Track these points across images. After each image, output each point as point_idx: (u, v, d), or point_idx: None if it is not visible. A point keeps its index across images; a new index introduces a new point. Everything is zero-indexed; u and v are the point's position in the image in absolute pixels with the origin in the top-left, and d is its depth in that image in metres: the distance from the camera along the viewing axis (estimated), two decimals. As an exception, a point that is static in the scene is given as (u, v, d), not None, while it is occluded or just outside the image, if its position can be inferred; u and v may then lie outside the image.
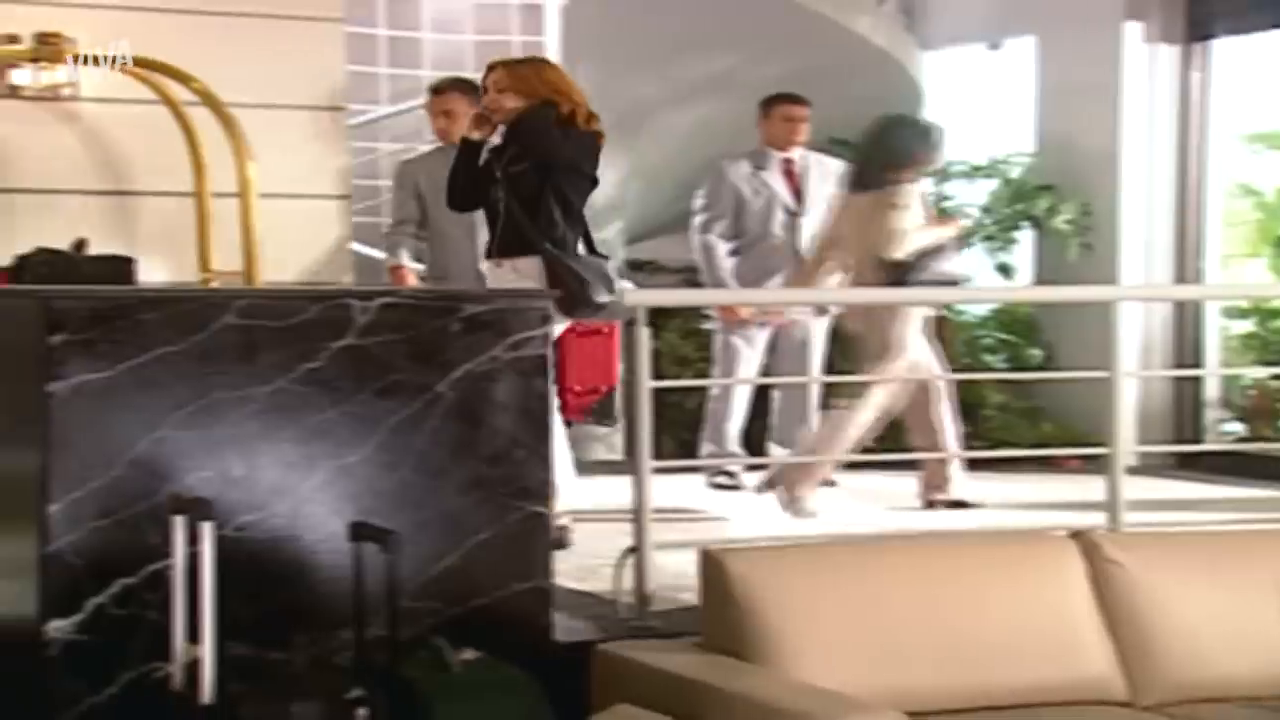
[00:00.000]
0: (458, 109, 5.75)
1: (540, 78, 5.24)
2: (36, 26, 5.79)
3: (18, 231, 5.92)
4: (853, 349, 6.57)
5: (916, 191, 6.28)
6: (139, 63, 5.88)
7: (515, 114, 5.13)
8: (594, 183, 5.34)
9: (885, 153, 6.25)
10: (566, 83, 5.28)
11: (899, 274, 6.03)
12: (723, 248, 6.80)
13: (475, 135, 5.25)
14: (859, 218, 6.25)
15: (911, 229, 6.13)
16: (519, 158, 5.15)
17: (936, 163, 6.53)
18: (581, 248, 5.21)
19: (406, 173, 6.27)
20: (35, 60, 5.85)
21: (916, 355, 6.16)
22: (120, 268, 5.73)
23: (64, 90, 6.01)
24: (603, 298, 5.22)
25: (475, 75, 9.80)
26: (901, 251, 6.06)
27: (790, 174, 6.87)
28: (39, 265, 5.63)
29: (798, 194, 6.84)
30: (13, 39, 5.86)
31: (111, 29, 5.92)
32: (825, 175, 6.85)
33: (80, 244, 5.81)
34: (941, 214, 6.90)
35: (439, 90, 6.15)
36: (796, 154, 6.88)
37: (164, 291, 4.35)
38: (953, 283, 6.18)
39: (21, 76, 5.97)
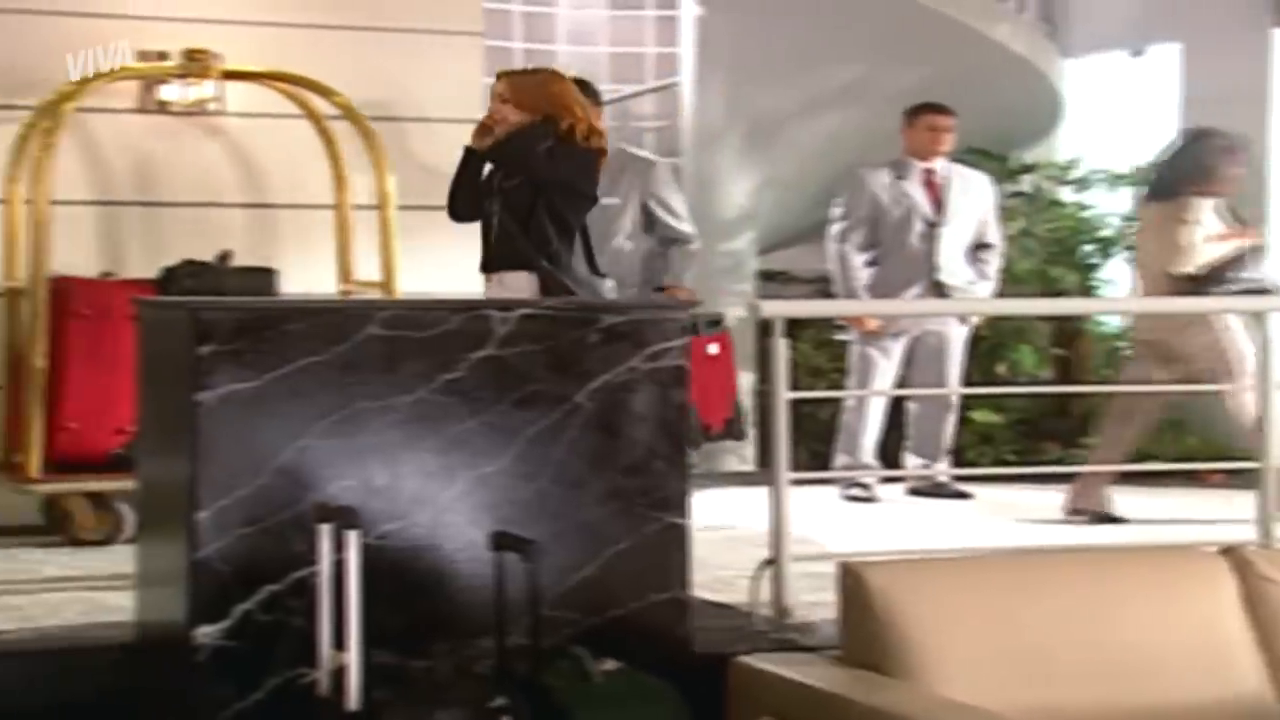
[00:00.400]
0: None
1: (543, 90, 5.23)
2: (184, 43, 5.91)
3: (164, 244, 6.05)
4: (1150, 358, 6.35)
5: (1209, 206, 6.12)
6: (282, 77, 5.98)
7: (510, 129, 5.13)
8: (592, 200, 5.30)
9: (1186, 166, 6.16)
10: (570, 96, 5.24)
11: (1194, 287, 5.95)
12: (858, 258, 6.75)
13: (476, 145, 5.25)
14: (1150, 228, 6.24)
15: (1201, 243, 6.02)
16: (511, 173, 5.16)
17: (1239, 179, 6.34)
18: (583, 266, 5.19)
19: None
20: (183, 76, 5.97)
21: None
22: (264, 279, 5.84)
23: (210, 105, 6.12)
24: None
25: (607, 88, 9.89)
26: (1189, 266, 5.99)
27: (931, 184, 6.79)
28: (185, 277, 5.75)
29: (938, 204, 6.76)
30: (162, 55, 5.99)
31: (256, 44, 6.03)
32: (967, 187, 6.77)
33: (225, 256, 5.91)
34: (1241, 224, 6.71)
35: None
36: (938, 164, 6.81)
37: (309, 302, 4.40)
38: (1263, 290, 6.03)
39: (170, 92, 6.09)
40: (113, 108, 5.98)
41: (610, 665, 3.57)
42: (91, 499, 5.72)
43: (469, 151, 5.27)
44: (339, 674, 3.43)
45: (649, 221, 6.66)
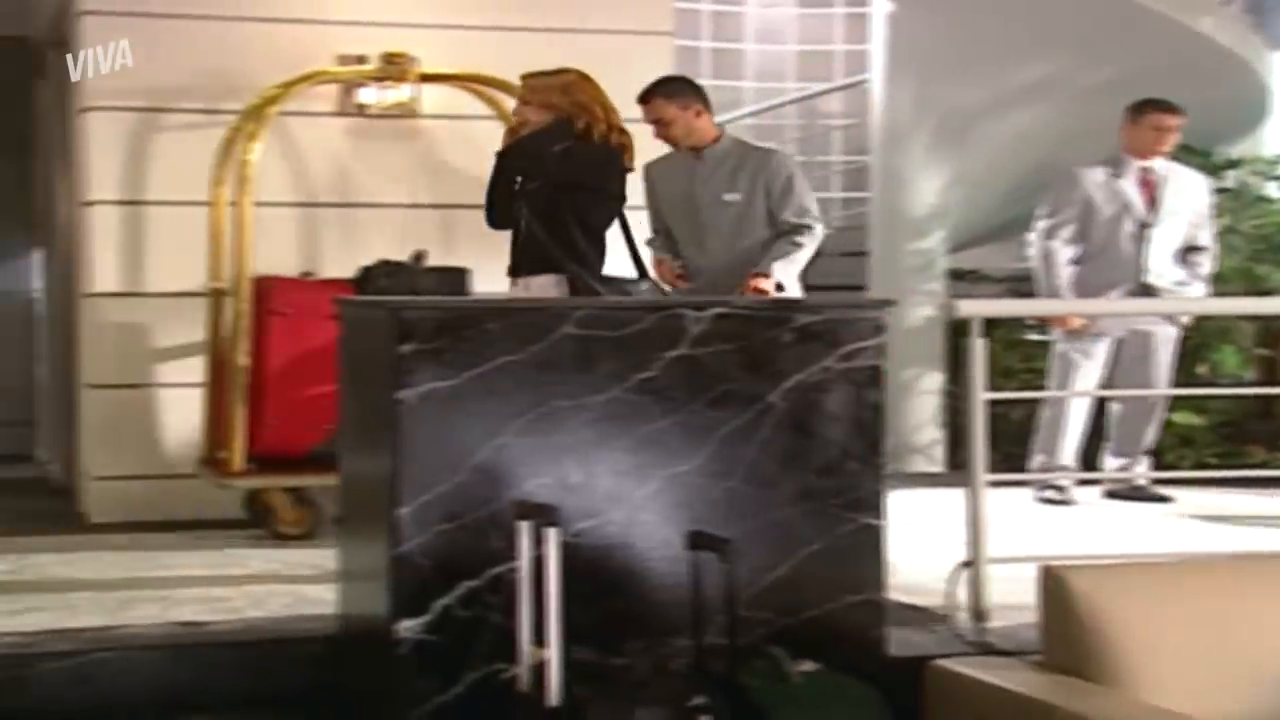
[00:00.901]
0: (665, 114, 5.58)
1: (562, 90, 5.18)
2: (382, 47, 6.02)
3: (359, 244, 6.17)
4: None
5: None
6: (477, 79, 6.07)
7: (529, 131, 5.12)
8: (619, 199, 5.23)
9: None
10: (589, 95, 5.19)
11: None
12: (1064, 255, 6.59)
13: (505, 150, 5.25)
14: None
15: None
16: (529, 176, 5.14)
17: None
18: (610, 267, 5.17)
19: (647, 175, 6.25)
20: (381, 80, 6.08)
21: None
22: (457, 278, 5.92)
23: (406, 108, 6.23)
24: None
25: (798, 86, 9.85)
26: None
27: (1147, 183, 6.58)
28: (381, 276, 5.85)
29: (1152, 204, 6.56)
30: (360, 60, 6.11)
31: (451, 47, 6.13)
32: (1182, 188, 6.57)
33: (420, 256, 6.00)
34: None
35: (643, 101, 6.02)
36: (1156, 163, 6.60)
37: (508, 302, 4.46)
38: None
39: (367, 95, 6.21)
40: (313, 111, 6.12)
41: (808, 666, 3.55)
42: (292, 494, 5.85)
43: (500, 157, 5.28)
44: (539, 670, 3.46)
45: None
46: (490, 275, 5.97)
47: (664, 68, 6.45)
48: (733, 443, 3.93)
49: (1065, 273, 6.59)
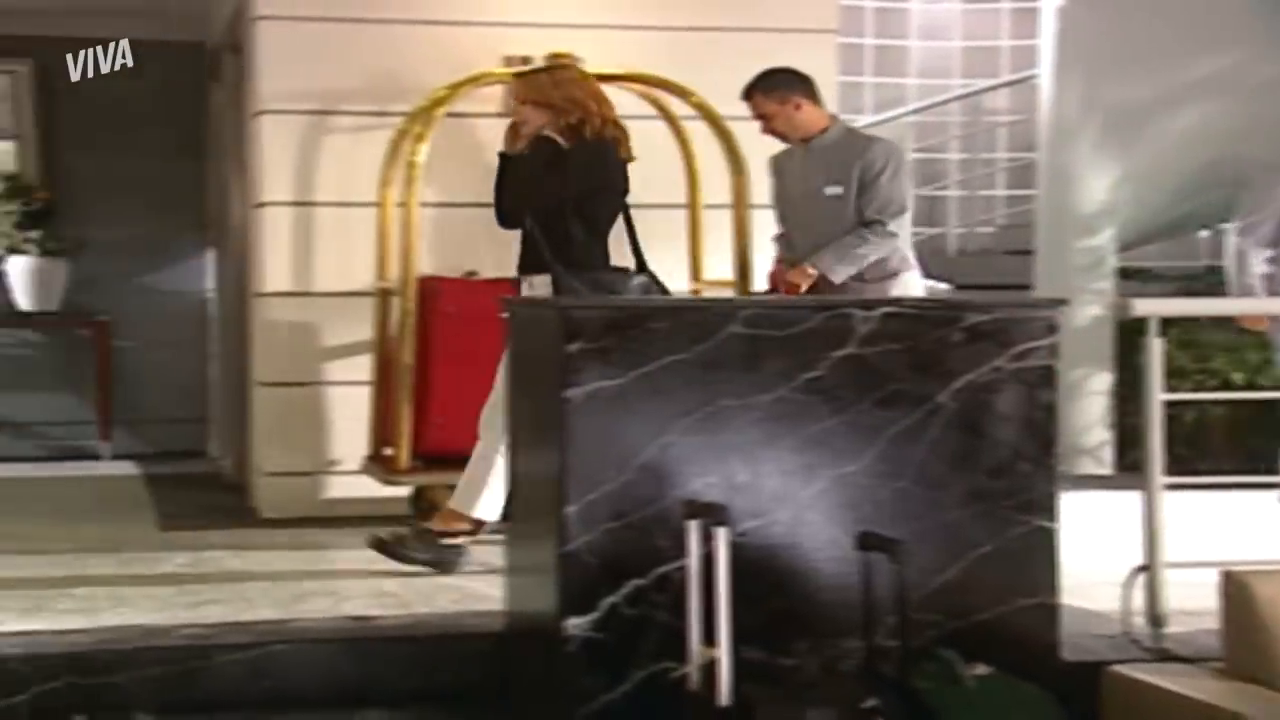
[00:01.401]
0: (765, 110, 5.47)
1: (555, 85, 5.13)
2: (547, 48, 6.05)
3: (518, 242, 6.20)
4: None
5: None
6: (640, 79, 6.08)
7: (528, 140, 5.10)
8: (620, 193, 5.17)
9: None
10: (584, 90, 5.13)
11: None
12: (1257, 255, 6.40)
13: (507, 150, 5.21)
14: None
15: None
16: (534, 173, 5.10)
17: None
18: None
19: (770, 169, 6.18)
20: (546, 80, 6.11)
21: None
22: (620, 276, 5.92)
23: (569, 108, 6.25)
24: None
25: (963, 83, 9.71)
26: None
27: None
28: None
29: None
30: (525, 60, 6.15)
31: (616, 47, 6.14)
32: None
33: (581, 255, 6.02)
34: None
35: (745, 98, 5.91)
36: None
37: (674, 301, 4.46)
38: None
39: (531, 96, 6.24)
40: (478, 112, 6.17)
41: (981, 669, 3.49)
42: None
43: (502, 157, 5.26)
44: (709, 669, 3.45)
45: None
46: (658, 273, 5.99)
47: (828, 66, 6.41)
48: (901, 443, 3.89)
49: (1258, 271, 6.38)
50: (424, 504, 5.99)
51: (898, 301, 4.09)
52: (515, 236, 6.23)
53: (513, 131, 5.21)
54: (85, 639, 4.16)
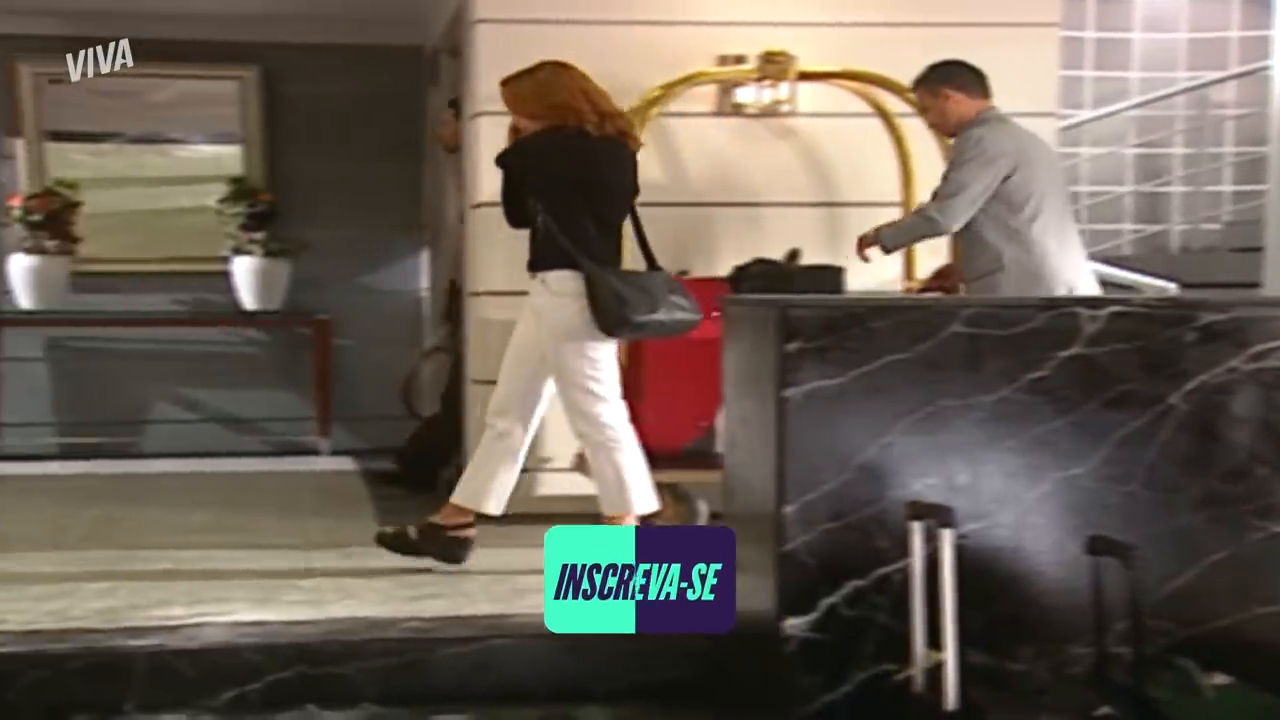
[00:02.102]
0: (922, 102, 5.50)
1: (537, 96, 5.06)
2: (760, 47, 6.04)
3: (735, 243, 6.20)
4: None
5: None
6: (856, 76, 6.03)
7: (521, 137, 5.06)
8: (631, 190, 5.11)
9: None
10: (569, 89, 5.04)
11: None
12: None
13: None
14: None
15: None
16: (538, 178, 5.03)
17: None
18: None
19: None
20: (760, 79, 6.10)
21: None
22: (832, 277, 5.89)
23: (783, 107, 6.23)
24: (642, 316, 4.97)
25: (1189, 75, 9.39)
26: None
27: None
28: (756, 276, 5.87)
29: None
30: (739, 59, 6.15)
31: (831, 45, 6.10)
32: None
33: (794, 254, 6.00)
34: None
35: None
36: None
37: (894, 300, 4.41)
38: None
39: (745, 94, 6.24)
40: (691, 111, 6.18)
41: (1221, 679, 3.39)
42: (668, 490, 5.93)
43: (500, 160, 5.22)
44: (933, 672, 3.40)
45: None
46: (864, 272, 5.95)
47: (1049, 61, 6.28)
48: (1130, 445, 3.80)
49: None
50: (635, 501, 6.03)
51: (1126, 301, 3.97)
52: (726, 235, 6.27)
53: (514, 132, 5.21)
54: (313, 630, 4.28)
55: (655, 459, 5.83)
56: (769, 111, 6.25)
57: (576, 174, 5.04)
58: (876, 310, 3.89)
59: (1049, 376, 3.81)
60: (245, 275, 8.04)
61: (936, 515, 3.46)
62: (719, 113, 6.29)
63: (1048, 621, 3.76)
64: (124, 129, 8.34)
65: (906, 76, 5.77)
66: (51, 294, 7.94)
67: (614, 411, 5.13)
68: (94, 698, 3.99)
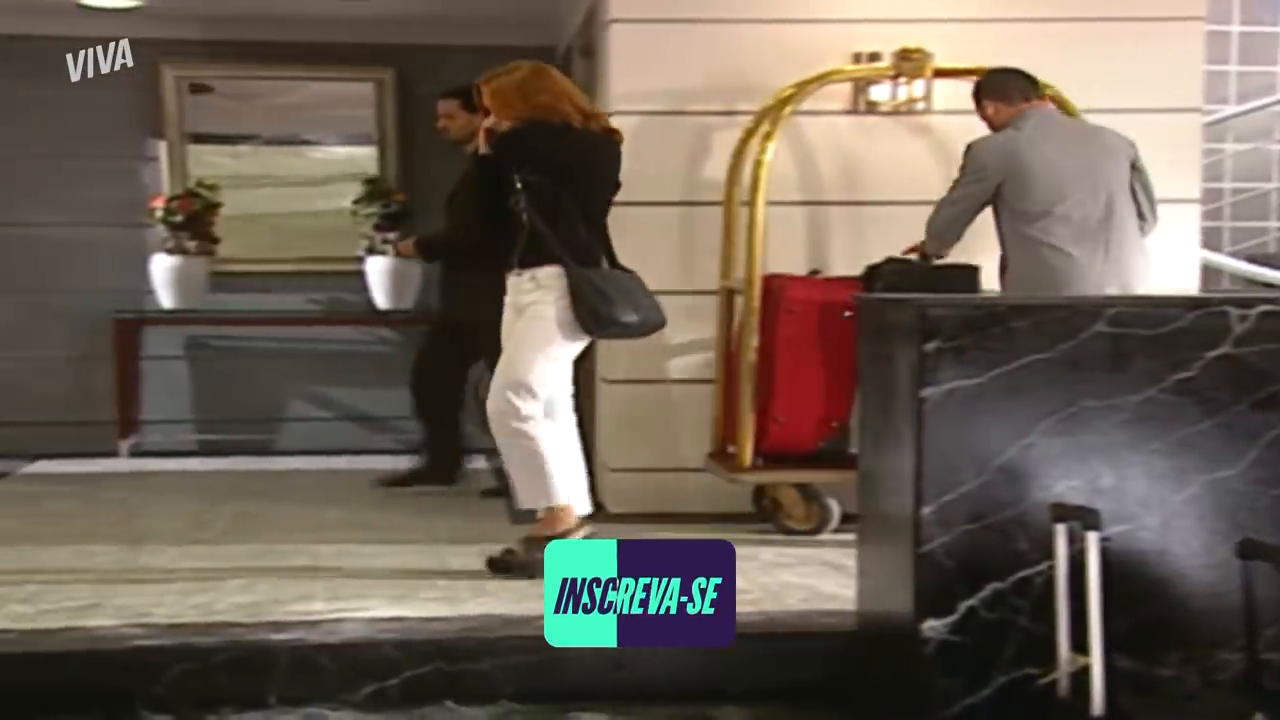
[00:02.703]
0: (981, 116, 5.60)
1: (521, 96, 4.99)
2: (895, 44, 5.98)
3: (867, 242, 6.15)
4: None
5: None
6: (990, 73, 5.95)
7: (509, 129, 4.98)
8: (614, 186, 5.08)
9: None
10: (553, 91, 4.99)
11: None
12: None
13: (487, 150, 5.06)
14: None
15: None
16: (535, 167, 4.93)
17: None
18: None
19: None
20: (895, 77, 6.05)
21: None
22: (969, 276, 5.82)
23: (918, 104, 6.18)
24: (629, 316, 4.91)
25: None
26: None
27: None
28: (890, 275, 5.82)
29: None
30: (873, 57, 6.10)
31: (967, 41, 6.02)
32: None
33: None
34: None
35: None
36: None
37: (1035, 300, 4.34)
38: None
39: (880, 92, 6.18)
40: (824, 110, 6.15)
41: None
42: (800, 490, 5.91)
43: (483, 160, 5.14)
44: (1078, 677, 3.35)
45: None
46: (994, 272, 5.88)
47: (1194, 56, 6.16)
48: (1282, 448, 3.72)
49: None
50: (766, 501, 6.01)
51: (1277, 300, 3.88)
52: (857, 234, 6.22)
53: (489, 134, 5.12)
54: (450, 627, 4.31)
55: (787, 458, 5.83)
56: (903, 109, 6.20)
57: (573, 163, 5.03)
58: (1017, 309, 3.85)
59: (1196, 377, 3.75)
60: (379, 275, 8.13)
61: (1082, 518, 3.41)
62: (852, 111, 6.25)
63: (1196, 626, 3.69)
64: (261, 131, 8.47)
65: (1046, 73, 5.69)
66: (191, 293, 8.09)
67: (535, 409, 5.01)
68: (238, 691, 4.06)
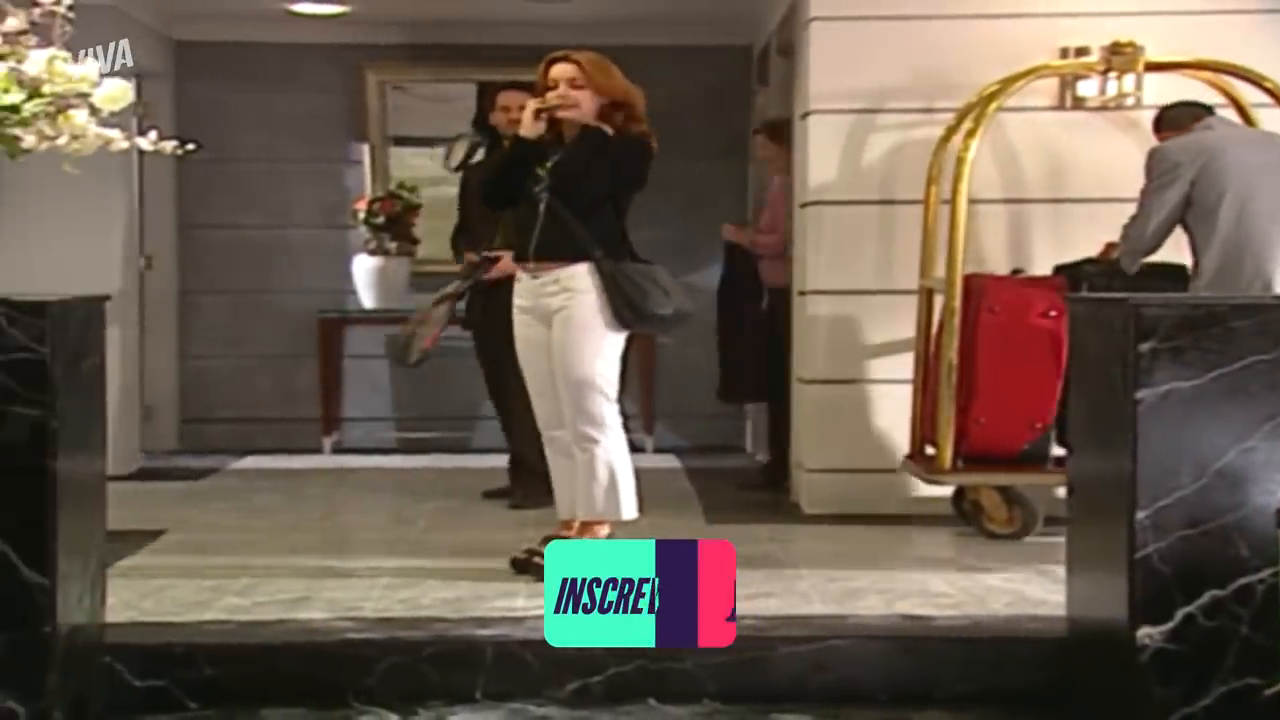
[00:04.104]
0: None
1: (611, 76, 4.83)
2: (1104, 38, 5.86)
3: (1071, 240, 6.04)
4: None
5: None
6: (1208, 66, 5.79)
7: (580, 119, 4.82)
8: (642, 187, 4.97)
9: None
10: (626, 83, 4.83)
11: None
12: None
13: (532, 133, 4.84)
14: None
15: None
16: (589, 161, 4.76)
17: None
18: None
19: None
20: (1105, 71, 5.92)
21: None
22: (1177, 276, 5.67)
23: (1128, 100, 6.04)
24: (664, 308, 4.75)
25: None
26: None
27: None
28: (1095, 275, 5.70)
29: None
30: (1082, 51, 5.98)
31: (1179, 33, 5.89)
32: None
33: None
34: None
35: None
36: None
37: (1258, 300, 4.23)
38: None
39: (1087, 88, 6.07)
40: (1028, 106, 6.05)
41: None
42: (1002, 493, 5.81)
43: (520, 141, 4.90)
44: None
45: None
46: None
47: None
48: None
49: None
50: (966, 504, 5.93)
51: None
52: (1063, 233, 6.11)
53: (542, 114, 4.87)
54: (652, 625, 4.31)
55: (989, 460, 5.74)
56: (1112, 104, 6.07)
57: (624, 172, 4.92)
58: (1238, 309, 3.74)
59: None
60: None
61: (1311, 523, 3.30)
62: (1058, 106, 6.13)
63: None
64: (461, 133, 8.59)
65: (1264, 65, 5.53)
66: (391, 293, 8.25)
67: (615, 412, 4.90)
68: (445, 685, 4.12)
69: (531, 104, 4.87)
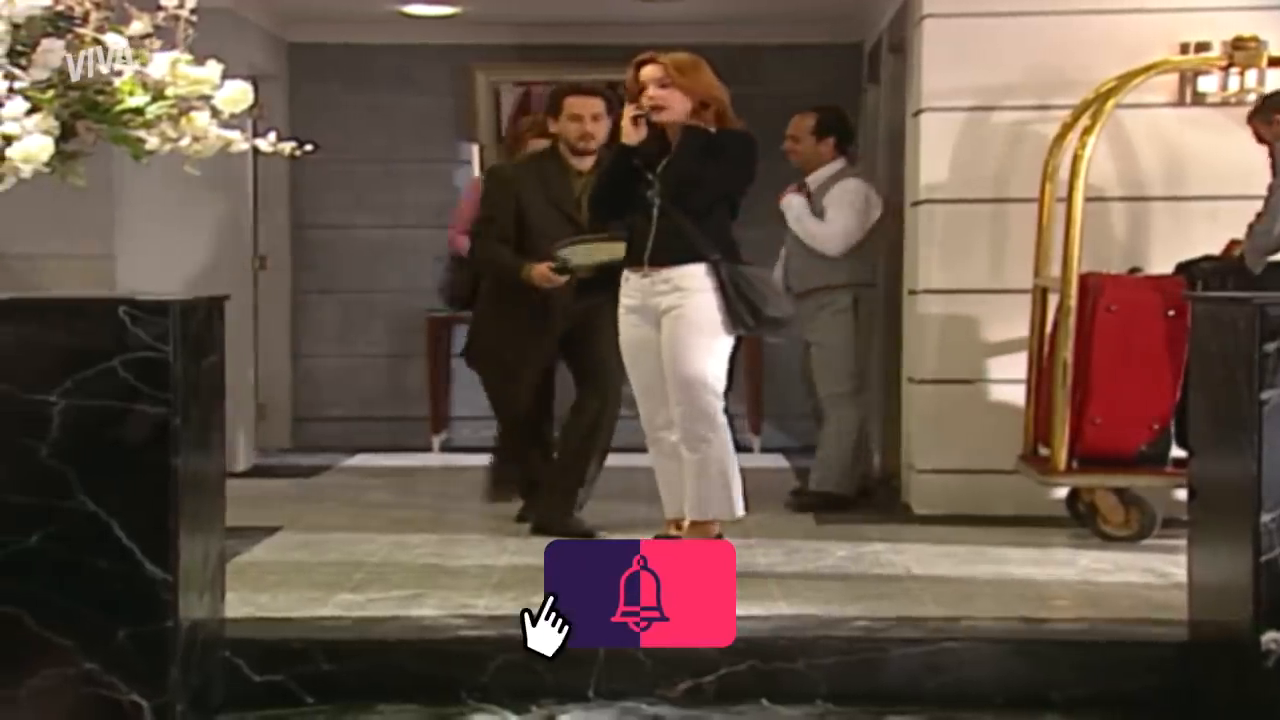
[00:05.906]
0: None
1: (697, 75, 4.76)
2: (1226, 33, 5.76)
3: (1190, 238, 5.95)
4: None
5: None
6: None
7: (673, 121, 4.78)
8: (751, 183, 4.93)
9: None
10: (712, 80, 4.78)
11: None
12: None
13: (634, 140, 4.78)
14: None
15: None
16: (700, 161, 4.70)
17: None
18: None
19: None
20: (1227, 67, 5.82)
21: None
22: (1299, 273, 5.57)
23: (1249, 96, 5.92)
24: (777, 311, 4.70)
25: None
26: None
27: None
28: (1212, 274, 5.61)
29: None
30: (1203, 46, 5.88)
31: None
32: None
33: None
34: None
35: None
36: None
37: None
38: None
39: (1208, 83, 5.97)
40: (1147, 102, 5.96)
41: None
42: (1118, 494, 5.73)
43: (625, 150, 4.84)
44: None
45: None
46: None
47: None
48: None
49: None
50: (1081, 506, 5.85)
51: None
52: (1181, 231, 6.01)
53: (634, 124, 4.81)
54: (764, 626, 4.31)
55: (1105, 461, 5.66)
56: (1234, 100, 5.96)
57: (735, 169, 4.91)
58: (1367, 309, 3.65)
59: None
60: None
61: None
62: (1178, 103, 6.04)
63: None
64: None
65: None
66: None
67: (723, 412, 4.88)
68: (558, 683, 4.12)
69: (628, 111, 4.86)
